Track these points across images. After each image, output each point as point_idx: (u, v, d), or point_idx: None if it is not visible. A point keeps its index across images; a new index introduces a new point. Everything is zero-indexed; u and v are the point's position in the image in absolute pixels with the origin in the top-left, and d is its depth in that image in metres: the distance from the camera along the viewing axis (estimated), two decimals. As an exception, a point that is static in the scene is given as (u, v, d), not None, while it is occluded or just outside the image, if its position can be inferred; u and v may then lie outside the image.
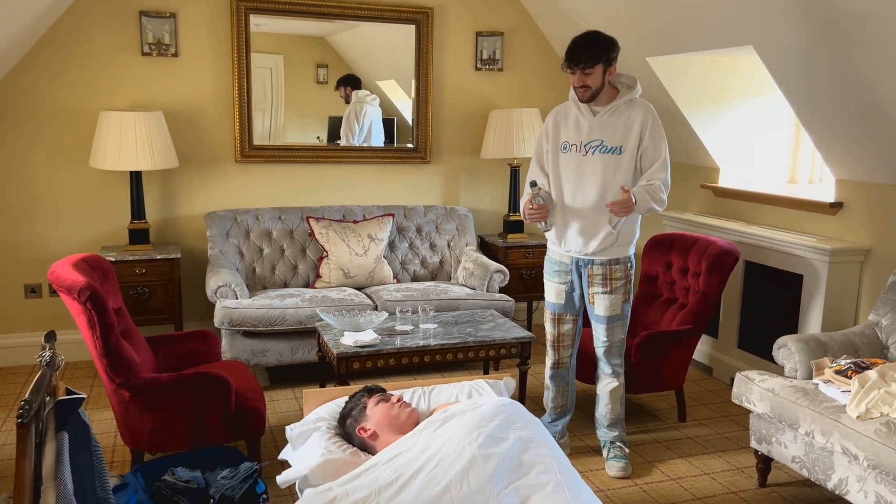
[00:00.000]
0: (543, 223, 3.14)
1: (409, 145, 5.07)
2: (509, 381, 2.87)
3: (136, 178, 4.29)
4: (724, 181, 4.68)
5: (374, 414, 2.48)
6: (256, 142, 4.73)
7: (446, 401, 2.68)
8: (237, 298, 4.05)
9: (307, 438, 2.54)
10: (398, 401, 2.53)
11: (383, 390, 2.66)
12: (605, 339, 3.24)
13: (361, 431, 2.46)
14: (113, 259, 4.05)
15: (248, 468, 2.87)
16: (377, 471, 2.16)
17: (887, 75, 3.10)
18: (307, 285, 4.57)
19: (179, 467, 2.86)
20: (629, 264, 3.20)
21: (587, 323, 3.40)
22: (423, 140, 5.04)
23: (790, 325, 3.94)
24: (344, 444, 2.49)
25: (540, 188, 3.10)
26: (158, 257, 4.23)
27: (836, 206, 3.83)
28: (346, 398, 2.68)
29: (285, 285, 4.56)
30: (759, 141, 4.69)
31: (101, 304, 2.73)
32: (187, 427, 2.94)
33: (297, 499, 2.90)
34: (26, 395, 1.39)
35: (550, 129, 3.24)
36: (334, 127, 4.99)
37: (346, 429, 2.52)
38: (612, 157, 3.06)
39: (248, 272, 4.50)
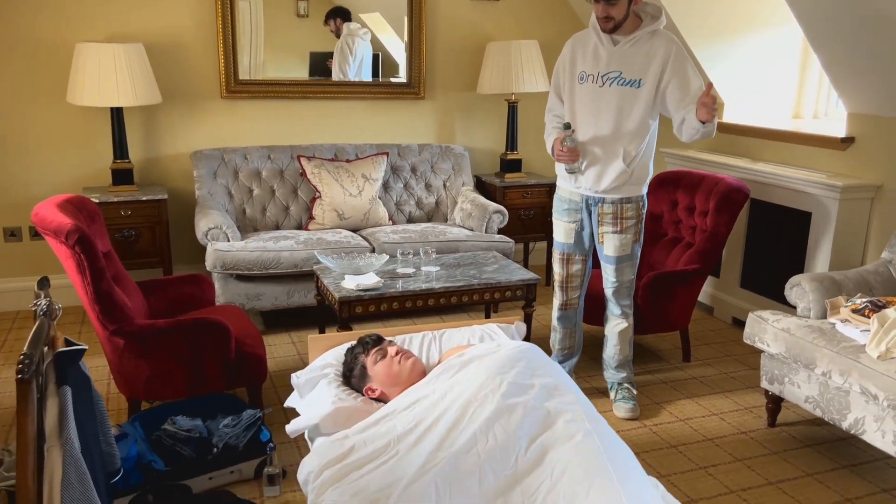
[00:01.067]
0: (572, 165, 3.00)
1: (402, 80, 4.85)
2: (520, 325, 2.78)
3: (117, 114, 4.07)
4: (729, 117, 4.55)
5: (377, 373, 2.36)
6: (242, 76, 4.50)
7: (458, 345, 2.58)
8: (229, 241, 3.89)
9: (314, 386, 2.44)
10: (396, 354, 2.38)
11: (379, 340, 2.48)
12: (615, 279, 3.15)
13: (369, 392, 2.36)
14: (97, 201, 3.86)
15: (250, 416, 2.78)
16: (395, 418, 2.06)
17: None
18: (300, 227, 4.41)
19: (180, 416, 2.76)
20: (641, 203, 3.09)
21: (596, 264, 3.30)
22: (416, 75, 4.83)
23: (796, 264, 3.87)
24: (353, 391, 2.39)
25: (573, 131, 2.94)
26: (144, 198, 4.05)
27: (847, 142, 3.72)
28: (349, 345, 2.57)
29: (277, 227, 4.41)
30: (763, 76, 4.55)
31: (90, 247, 2.57)
32: (185, 374, 2.83)
33: (305, 447, 2.83)
34: (25, 348, 1.26)
35: (567, 59, 3.08)
36: (316, 63, 4.74)
37: (353, 381, 2.42)
38: (629, 89, 2.91)
39: (237, 214, 4.34)
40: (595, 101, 2.94)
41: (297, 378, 2.48)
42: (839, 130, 3.87)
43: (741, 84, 4.51)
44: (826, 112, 4.55)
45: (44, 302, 1.49)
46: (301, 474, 2.05)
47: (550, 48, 4.81)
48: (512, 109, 4.87)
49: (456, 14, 4.84)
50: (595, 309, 3.46)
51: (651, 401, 3.35)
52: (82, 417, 1.52)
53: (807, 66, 4.47)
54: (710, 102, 2.68)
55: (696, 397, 3.40)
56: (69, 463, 1.40)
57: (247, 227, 4.33)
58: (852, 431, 2.68)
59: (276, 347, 3.82)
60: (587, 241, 3.19)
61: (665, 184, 4.01)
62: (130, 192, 4.09)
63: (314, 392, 2.40)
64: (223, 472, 2.64)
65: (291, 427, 2.29)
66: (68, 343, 1.55)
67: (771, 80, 4.54)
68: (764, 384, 3.08)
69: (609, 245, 3.10)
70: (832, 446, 2.98)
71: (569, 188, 3.14)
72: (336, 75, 4.74)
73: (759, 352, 3.80)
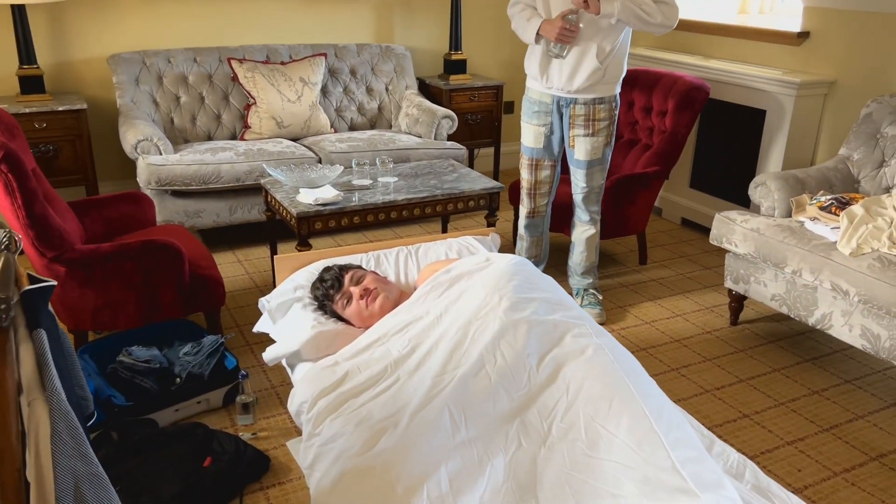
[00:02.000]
0: (561, 47, 2.80)
1: (337, -26, 4.48)
2: (496, 237, 2.67)
3: (18, 12, 3.59)
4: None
5: (350, 316, 2.20)
6: (159, -31, 4.04)
7: (437, 260, 2.45)
8: (161, 154, 3.58)
9: (288, 310, 2.28)
10: (361, 297, 2.19)
11: (339, 279, 2.25)
12: (585, 184, 3.06)
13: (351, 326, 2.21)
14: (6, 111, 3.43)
15: (212, 342, 2.60)
16: (388, 342, 1.94)
17: None
18: (234, 137, 4.11)
19: (134, 346, 2.55)
20: (614, 104, 2.98)
21: (564, 170, 3.20)
22: (352, -32, 4.47)
23: (747, 163, 3.88)
24: (331, 316, 2.24)
25: (578, 11, 2.73)
26: (61, 108, 3.64)
27: (802, 36, 3.69)
28: (323, 264, 2.40)
29: (209, 138, 4.09)
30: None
31: (18, 165, 2.27)
32: (137, 302, 2.60)
33: (274, 373, 2.70)
34: (-6, 291, 1.06)
35: None
36: None
37: (327, 308, 2.25)
38: None
39: (165, 124, 3.98)
40: None
41: (267, 302, 2.30)
42: (791, 25, 3.83)
43: (690, -22, 4.38)
44: (771, 7, 4.51)
45: (2, 233, 1.26)
46: (292, 405, 1.92)
47: (495, -62, 4.52)
48: (455, 5, 4.59)
49: None
50: (559, 216, 3.39)
51: (615, 305, 3.35)
52: (59, 362, 1.33)
53: (754, -42, 4.38)
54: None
55: (658, 299, 3.42)
56: (58, 417, 1.21)
57: (176, 137, 3.99)
58: (819, 327, 2.75)
59: (223, 267, 3.59)
60: (556, 146, 3.08)
61: (622, 84, 3.88)
62: (43, 101, 3.67)
63: (289, 316, 2.24)
64: (189, 402, 2.47)
65: (269, 354, 2.14)
66: (33, 280, 1.33)
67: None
68: (728, 283, 3.10)
69: (580, 149, 2.99)
70: (793, 341, 3.07)
71: (539, 89, 2.99)
72: None
73: (711, 251, 3.88)
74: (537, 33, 2.84)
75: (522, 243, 3.27)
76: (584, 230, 3.19)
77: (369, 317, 2.14)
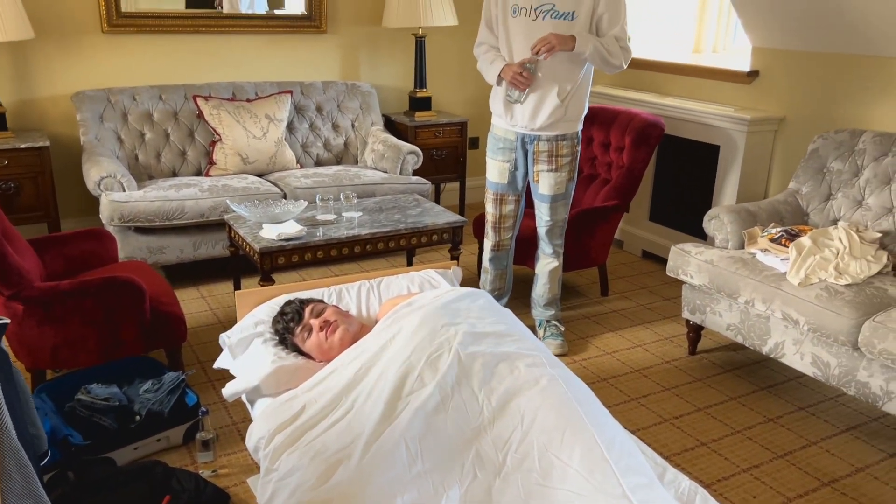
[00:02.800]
0: (518, 93, 2.89)
1: (302, 13, 4.56)
2: (457, 270, 2.71)
3: (-19, 51, 3.60)
4: (635, 52, 4.56)
5: (311, 349, 2.21)
6: (125, 8, 4.08)
7: (398, 294, 2.49)
8: (125, 191, 3.58)
9: (248, 345, 2.29)
10: (321, 329, 2.20)
11: (300, 313, 2.26)
12: (549, 218, 3.13)
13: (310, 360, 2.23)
14: (-34, 150, 3.43)
15: (173, 378, 2.59)
16: (342, 371, 1.96)
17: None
18: (199, 173, 4.13)
19: (93, 384, 2.53)
20: (576, 140, 3.06)
21: (528, 204, 3.27)
22: (317, 7, 4.55)
23: (703, 196, 3.99)
24: (291, 350, 2.26)
25: (538, 59, 2.82)
26: (23, 146, 3.64)
27: (752, 75, 3.83)
28: (284, 299, 2.42)
29: (174, 174, 4.10)
30: (665, 11, 4.60)
31: (-24, 204, 2.27)
32: (98, 340, 2.59)
33: (235, 408, 2.70)
34: (-55, 330, 1.07)
35: None
36: None
37: (287, 342, 2.27)
38: (563, 22, 2.84)
39: (129, 161, 3.99)
40: (529, 34, 2.85)
41: (227, 338, 2.31)
42: (742, 64, 3.98)
43: (644, 19, 4.53)
44: (724, 47, 4.68)
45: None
46: (250, 441, 1.92)
47: (457, -20, 4.65)
48: (420, 44, 4.69)
49: (357, -58, 4.57)
50: (523, 249, 3.45)
51: (577, 336, 3.40)
52: (11, 400, 1.33)
53: (705, 1, 4.55)
54: (538, 44, 2.76)
55: (619, 330, 3.48)
56: (7, 454, 1.21)
57: (141, 174, 4.00)
58: (772, 355, 2.82)
59: (187, 303, 3.58)
60: (520, 181, 3.15)
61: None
62: (5, 138, 3.67)
63: (249, 352, 2.25)
64: (149, 440, 2.46)
65: (229, 390, 2.14)
66: (-15, 319, 1.34)
67: (673, 15, 4.60)
68: (685, 314, 3.18)
69: (544, 183, 3.06)
70: (749, 370, 3.13)
71: (504, 126, 3.07)
72: (226, 7, 4.37)
73: (671, 283, 3.96)
74: (499, 75, 2.93)
75: (487, 276, 3.32)
76: (547, 263, 3.25)
77: (329, 349, 2.15)
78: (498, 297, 3.36)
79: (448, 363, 1.84)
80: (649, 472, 1.64)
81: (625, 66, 2.94)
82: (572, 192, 3.15)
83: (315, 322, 2.21)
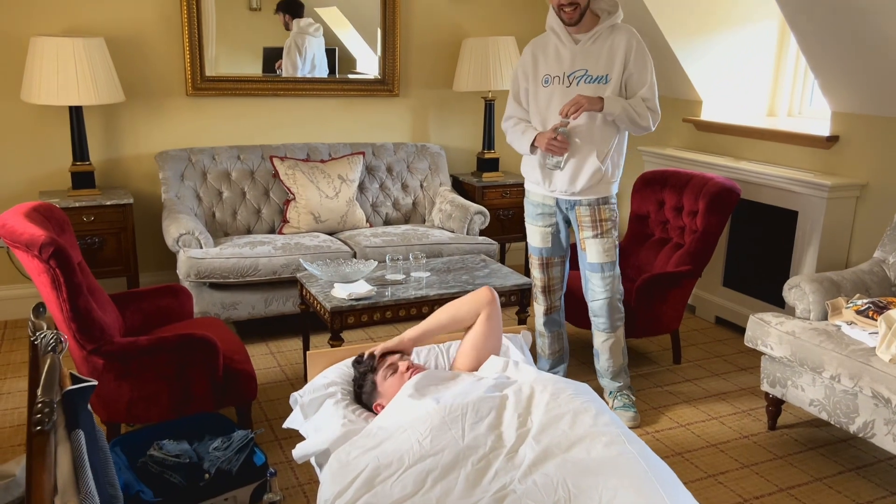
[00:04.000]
0: (557, 160, 2.90)
1: (376, 77, 4.69)
2: (527, 334, 2.67)
3: (76, 113, 3.80)
4: (707, 115, 4.53)
5: (387, 389, 2.23)
6: (208, 73, 4.27)
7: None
8: (202, 247, 3.68)
9: (319, 406, 2.28)
10: (408, 369, 2.27)
11: (385, 354, 2.38)
12: (606, 293, 3.05)
13: (378, 409, 2.22)
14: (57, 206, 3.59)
15: (242, 437, 2.60)
16: (407, 438, 1.94)
17: (889, 3, 2.96)
18: (272, 231, 4.22)
19: (165, 440, 2.56)
20: (615, 205, 3.03)
21: (573, 265, 3.23)
22: (390, 71, 4.68)
23: (780, 263, 3.87)
24: (362, 410, 2.25)
25: (568, 122, 2.84)
26: (108, 203, 3.80)
27: (832, 140, 3.73)
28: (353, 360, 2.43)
29: (248, 231, 4.20)
30: (739, 73, 4.55)
31: (66, 261, 2.36)
32: (170, 395, 2.63)
33: (301, 469, 2.69)
34: (40, 393, 1.09)
35: (529, 64, 3.02)
36: (270, 58, 4.52)
37: (363, 397, 2.28)
38: (597, 86, 2.86)
39: (207, 218, 4.12)
40: (564, 101, 2.85)
41: (299, 397, 2.31)
42: (819, 128, 3.89)
43: (718, 81, 4.49)
44: (800, 110, 4.58)
45: (50, 334, 1.31)
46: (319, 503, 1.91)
47: (526, 44, 4.71)
48: (489, 107, 4.76)
49: (431, 9, 4.71)
50: (576, 308, 3.39)
51: (649, 406, 3.29)
52: (94, 461, 1.35)
53: (781, 63, 4.48)
54: (567, 107, 2.77)
55: (693, 401, 3.35)
56: (90, 521, 1.23)
57: (217, 231, 4.11)
58: (861, 435, 2.66)
59: (256, 359, 3.62)
60: (564, 242, 3.14)
61: (651, 183, 3.95)
62: (92, 196, 3.84)
63: (320, 413, 2.25)
64: (217, 499, 2.45)
65: (299, 452, 2.14)
66: (75, 379, 1.37)
67: (746, 78, 4.54)
68: (765, 387, 3.04)
69: (592, 251, 3.01)
70: (834, 449, 2.97)
71: (541, 192, 3.07)
72: (286, 72, 4.51)
73: (746, 352, 3.82)
74: (533, 145, 2.93)
75: (544, 340, 3.28)
76: (605, 339, 3.14)
77: None
78: (559, 361, 3.30)
79: (529, 459, 1.81)
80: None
81: (652, 128, 2.92)
82: (618, 262, 3.08)
83: (403, 363, 2.24)
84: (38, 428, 1.08)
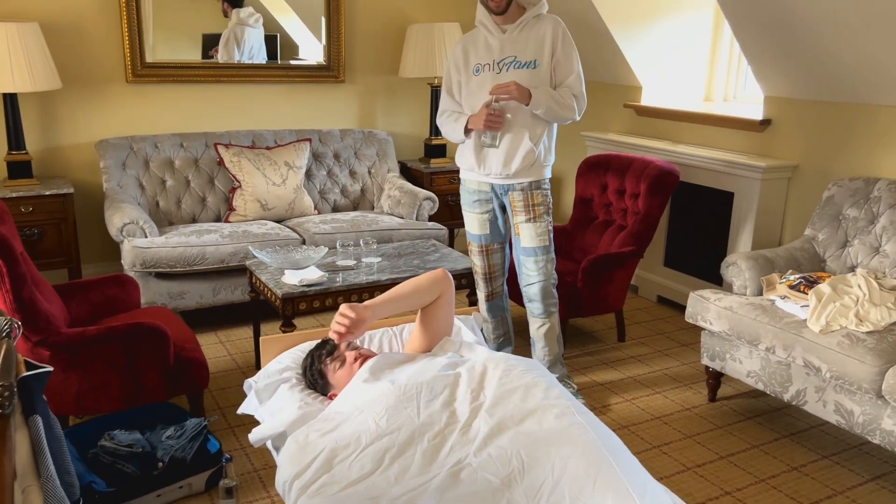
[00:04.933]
0: (492, 136, 2.92)
1: (319, 62, 4.67)
2: (478, 316, 2.73)
3: (10, 101, 3.69)
4: (646, 100, 4.66)
5: (338, 380, 2.25)
6: (148, 58, 4.18)
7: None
8: (147, 237, 3.63)
9: (274, 391, 2.29)
10: (355, 360, 2.27)
11: (336, 346, 2.34)
12: (540, 277, 3.08)
13: (333, 398, 2.25)
14: (-7, 197, 3.49)
15: (195, 425, 2.60)
16: (363, 418, 1.97)
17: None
18: (218, 219, 4.18)
19: (116, 430, 2.53)
20: (548, 191, 3.09)
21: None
22: (335, 57, 4.66)
23: (718, 242, 4.02)
24: (317, 395, 2.27)
25: (498, 101, 2.87)
26: (48, 193, 3.70)
27: (765, 123, 3.89)
28: (308, 346, 2.45)
29: (194, 220, 4.15)
30: (676, 60, 4.68)
31: (9, 251, 2.31)
32: (121, 385, 2.61)
33: (256, 454, 2.70)
34: (-2, 379, 1.09)
35: (460, 57, 3.07)
36: (209, 45, 4.45)
37: (318, 384, 2.30)
38: (527, 71, 2.93)
39: (150, 207, 4.05)
40: None
41: (254, 382, 2.32)
42: (753, 112, 4.04)
43: (657, 67, 4.62)
44: (735, 95, 4.74)
45: (3, 321, 1.30)
46: (277, 485, 1.93)
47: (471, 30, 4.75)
48: (435, 93, 4.79)
49: (375, -5, 4.70)
50: (519, 291, 3.44)
51: (595, 382, 3.40)
52: (52, 448, 1.34)
53: (717, 50, 4.63)
54: (496, 90, 2.83)
55: (637, 376, 3.47)
56: (51, 502, 1.23)
57: (161, 220, 4.05)
58: (794, 403, 2.81)
59: (205, 349, 3.59)
60: (502, 228, 3.19)
61: (594, 167, 4.05)
62: (30, 186, 3.74)
63: (276, 397, 2.26)
64: (172, 487, 2.45)
65: (255, 435, 2.14)
66: (29, 366, 1.36)
67: (683, 64, 4.68)
68: (705, 360, 3.17)
69: (525, 236, 3.05)
70: (771, 417, 3.12)
71: (476, 178, 3.10)
72: (221, 58, 4.42)
73: (687, 328, 3.96)
74: (466, 128, 2.98)
75: (487, 325, 3.32)
76: (540, 325, 3.16)
77: None
78: (504, 343, 3.37)
79: (482, 432, 1.86)
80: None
81: (578, 117, 2.98)
82: (553, 245, 3.12)
83: (350, 354, 2.25)
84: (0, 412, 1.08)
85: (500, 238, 3.20)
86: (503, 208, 3.15)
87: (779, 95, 3.83)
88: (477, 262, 3.24)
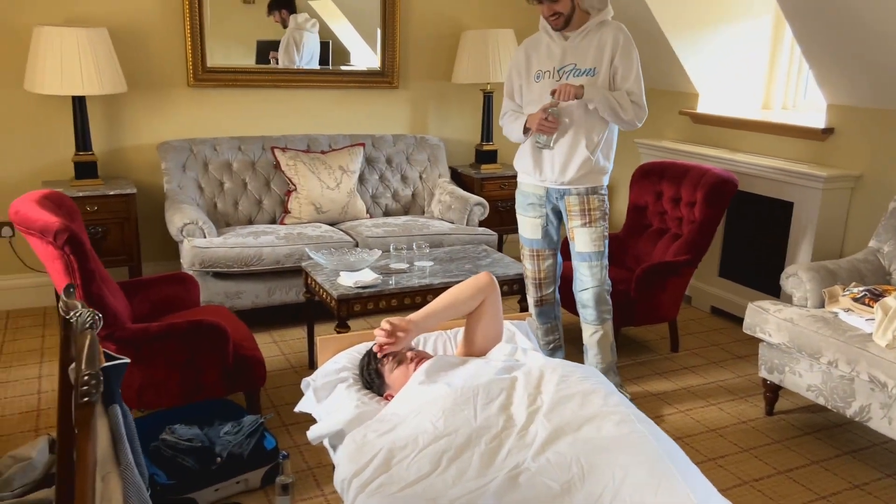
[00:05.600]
0: (547, 138, 2.94)
1: (375, 68, 4.72)
2: (532, 321, 2.73)
3: (79, 104, 3.81)
4: (703, 107, 4.60)
5: (395, 380, 2.27)
6: (209, 63, 4.28)
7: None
8: (205, 237, 3.71)
9: (332, 390, 2.32)
10: (411, 361, 2.29)
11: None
12: (594, 283, 3.06)
13: (389, 398, 2.27)
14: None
15: (252, 422, 2.64)
16: (422, 421, 1.98)
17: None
18: (273, 221, 4.25)
19: (177, 424, 2.59)
20: (605, 197, 3.07)
21: (565, 256, 3.28)
22: (390, 63, 4.71)
23: (775, 253, 3.94)
24: (374, 395, 2.29)
25: (558, 102, 2.89)
26: (112, 193, 3.81)
27: (827, 132, 3.80)
28: (364, 347, 2.47)
29: (250, 222, 4.23)
30: (734, 67, 4.61)
31: (80, 247, 2.39)
32: (181, 381, 2.67)
33: (310, 453, 2.73)
34: (84, 368, 1.13)
35: (522, 62, 3.08)
36: (263, 51, 4.53)
37: (374, 385, 2.32)
38: (586, 79, 2.93)
39: (209, 208, 4.14)
40: None
41: (312, 381, 2.35)
42: (814, 121, 3.96)
43: (714, 74, 4.56)
44: (794, 103, 4.65)
45: (86, 312, 1.34)
46: (336, 482, 1.95)
47: (525, 37, 4.76)
48: (487, 99, 4.80)
49: (429, 2, 4.74)
50: (571, 297, 3.41)
51: (648, 392, 3.35)
52: (129, 438, 1.39)
53: (776, 57, 4.55)
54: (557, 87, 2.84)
55: (691, 387, 3.42)
56: (131, 490, 1.27)
57: (219, 221, 4.14)
58: (857, 419, 2.73)
59: (260, 348, 3.63)
60: (555, 235, 3.17)
61: (649, 175, 4.01)
62: (95, 186, 3.85)
63: (333, 396, 2.29)
64: (229, 482, 2.50)
65: (314, 433, 2.18)
66: (108, 357, 1.40)
67: (742, 71, 4.61)
68: (763, 373, 3.11)
69: (580, 241, 3.04)
70: (830, 433, 3.04)
71: (532, 182, 3.10)
72: (282, 63, 4.51)
73: (743, 340, 3.89)
74: (525, 128, 3.00)
75: (538, 332, 3.30)
76: (592, 332, 3.14)
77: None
78: (555, 349, 3.35)
79: (540, 438, 1.86)
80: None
81: (638, 124, 2.96)
82: (607, 253, 3.10)
83: (408, 354, 2.27)
84: (85, 399, 1.12)
85: (553, 245, 3.19)
86: (558, 214, 3.14)
87: (842, 104, 3.74)
88: (528, 267, 3.24)
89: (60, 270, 2.42)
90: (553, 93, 2.86)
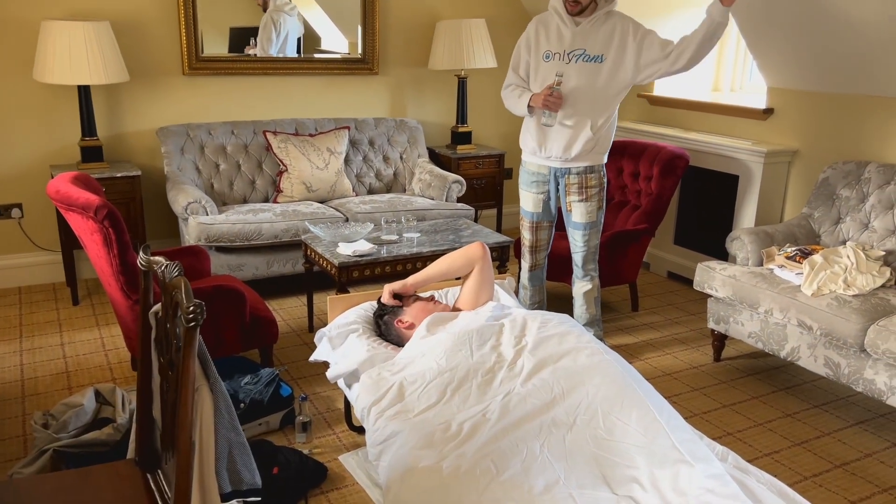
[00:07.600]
0: (550, 115, 3.23)
1: (356, 56, 5.05)
2: (511, 280, 3.13)
3: (84, 92, 4.09)
4: (659, 91, 5.03)
5: (412, 309, 2.67)
6: (202, 53, 4.57)
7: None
8: (208, 214, 4.03)
9: (344, 339, 2.70)
10: (430, 299, 2.73)
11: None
12: (584, 246, 3.49)
13: (399, 324, 2.65)
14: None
15: (269, 373, 3.01)
16: (429, 361, 2.38)
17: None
18: (266, 200, 4.58)
19: (203, 377, 2.94)
20: (602, 173, 3.45)
21: (559, 227, 3.68)
22: (370, 51, 5.04)
23: (724, 221, 4.40)
24: (382, 341, 2.67)
25: (562, 79, 3.19)
26: (119, 175, 4.11)
27: (767, 112, 4.26)
28: (371, 302, 2.86)
29: (244, 201, 4.55)
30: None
31: (118, 222, 2.72)
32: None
33: (321, 398, 3.10)
34: (186, 301, 1.48)
35: (532, 38, 3.36)
36: (236, 39, 4.78)
37: (382, 327, 2.70)
38: (593, 65, 3.24)
39: (206, 188, 4.45)
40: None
41: (328, 332, 2.73)
42: (758, 102, 4.41)
43: (669, 61, 4.98)
44: (741, 86, 5.11)
45: (171, 264, 1.69)
46: (357, 411, 2.34)
47: (496, 26, 5.15)
48: (461, 84, 5.17)
49: (407, -7, 5.08)
50: (559, 268, 3.85)
51: (612, 344, 3.79)
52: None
53: (724, 44, 5.00)
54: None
55: (650, 340, 3.87)
56: (219, 398, 1.63)
57: (216, 200, 4.45)
58: (789, 359, 3.20)
59: (262, 314, 4.01)
60: (553, 209, 3.55)
61: (611, 153, 4.40)
62: (102, 168, 4.14)
63: (346, 344, 2.66)
64: (252, 424, 2.86)
65: (332, 373, 2.56)
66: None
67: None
68: (711, 324, 3.56)
69: (577, 213, 3.44)
70: (769, 373, 3.51)
71: (536, 161, 3.45)
72: (258, 51, 4.78)
73: (695, 300, 4.35)
74: (529, 105, 3.32)
75: (526, 292, 3.71)
76: (582, 286, 3.59)
77: (431, 310, 2.67)
78: (539, 308, 3.76)
79: (522, 364, 2.27)
80: (692, 431, 2.04)
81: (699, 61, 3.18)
82: (602, 221, 3.50)
83: (425, 295, 2.73)
84: (192, 324, 1.47)
85: (550, 217, 3.56)
86: (558, 190, 3.46)
87: (781, 87, 4.20)
88: (526, 236, 3.61)
89: (99, 242, 2.74)
90: (561, 74, 3.15)
